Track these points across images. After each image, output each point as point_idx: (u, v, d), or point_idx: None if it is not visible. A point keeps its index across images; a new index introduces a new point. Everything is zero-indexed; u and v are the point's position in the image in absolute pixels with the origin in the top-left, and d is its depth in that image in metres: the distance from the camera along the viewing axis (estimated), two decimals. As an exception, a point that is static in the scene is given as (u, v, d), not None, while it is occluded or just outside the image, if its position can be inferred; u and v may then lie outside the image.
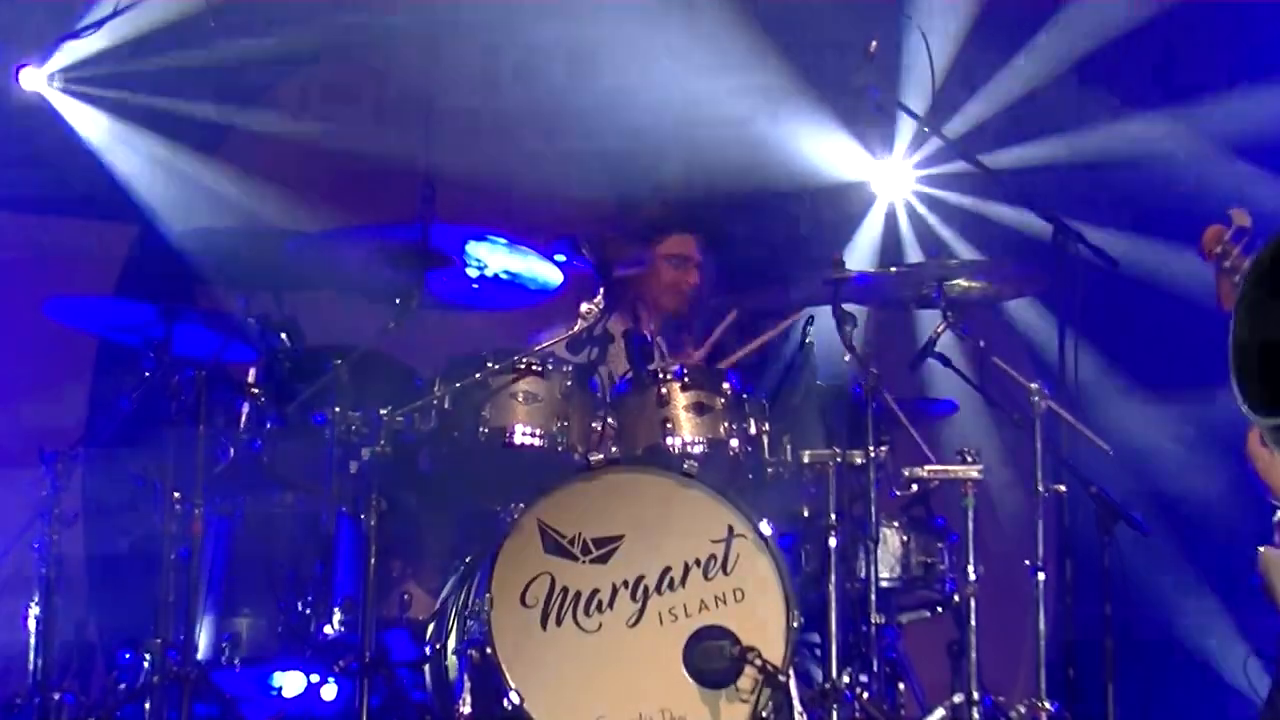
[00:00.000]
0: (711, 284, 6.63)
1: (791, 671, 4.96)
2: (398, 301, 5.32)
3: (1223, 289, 4.58)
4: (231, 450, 5.39)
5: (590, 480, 5.09)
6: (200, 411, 5.17)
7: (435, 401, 5.30)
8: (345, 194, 7.64)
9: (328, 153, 7.83)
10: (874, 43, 5.93)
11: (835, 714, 5.16)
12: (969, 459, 5.46)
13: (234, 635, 5.44)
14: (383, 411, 5.14)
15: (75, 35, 6.71)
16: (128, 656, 5.43)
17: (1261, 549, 4.76)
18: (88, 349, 7.19)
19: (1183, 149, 7.41)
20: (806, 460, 5.49)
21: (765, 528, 5.07)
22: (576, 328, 5.40)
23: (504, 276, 5.58)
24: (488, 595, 4.88)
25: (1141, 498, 6.23)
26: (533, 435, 5.31)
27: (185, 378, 5.22)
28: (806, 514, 5.76)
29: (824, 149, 7.85)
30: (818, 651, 5.45)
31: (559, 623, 4.93)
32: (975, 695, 5.46)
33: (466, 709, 4.90)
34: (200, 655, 5.19)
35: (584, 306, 5.38)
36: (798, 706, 4.92)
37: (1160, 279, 7.14)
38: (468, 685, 4.91)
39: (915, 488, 5.54)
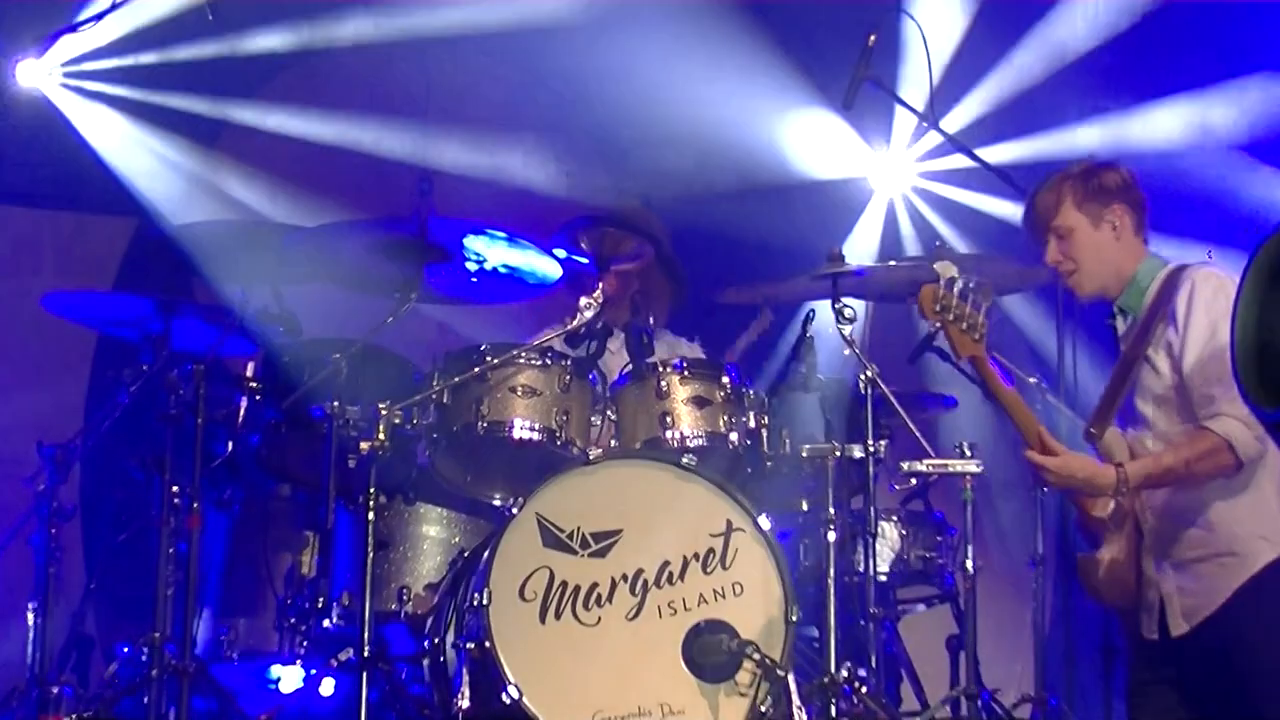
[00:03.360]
0: (644, 281, 6.46)
1: (790, 665, 4.96)
2: (396, 295, 5.32)
3: (955, 339, 4.68)
4: (230, 444, 5.39)
5: (589, 474, 5.08)
6: (198, 405, 5.17)
7: (434, 395, 5.30)
8: (344, 188, 7.64)
9: (326, 147, 7.83)
10: (872, 37, 5.93)
11: (834, 708, 5.16)
12: (968, 453, 5.47)
13: (232, 629, 5.45)
14: (381, 405, 5.13)
15: (73, 29, 6.69)
16: (126, 650, 5.43)
17: (1079, 558, 4.82)
18: (86, 343, 7.18)
19: (1183, 143, 7.42)
20: (805, 454, 5.50)
21: (764, 521, 5.06)
22: (575, 322, 5.39)
23: (502, 270, 5.58)
24: (486, 589, 4.87)
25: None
26: (532, 429, 5.30)
27: (183, 372, 5.21)
28: (805, 508, 5.77)
29: (823, 144, 7.86)
30: (816, 645, 5.45)
31: (558, 617, 4.92)
32: (974, 689, 5.47)
33: (465, 703, 4.89)
34: (198, 649, 5.19)
35: (583, 301, 5.37)
36: (796, 700, 4.92)
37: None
38: (466, 679, 4.90)
39: (914, 482, 5.54)
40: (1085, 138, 7.65)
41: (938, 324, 4.73)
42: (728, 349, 6.48)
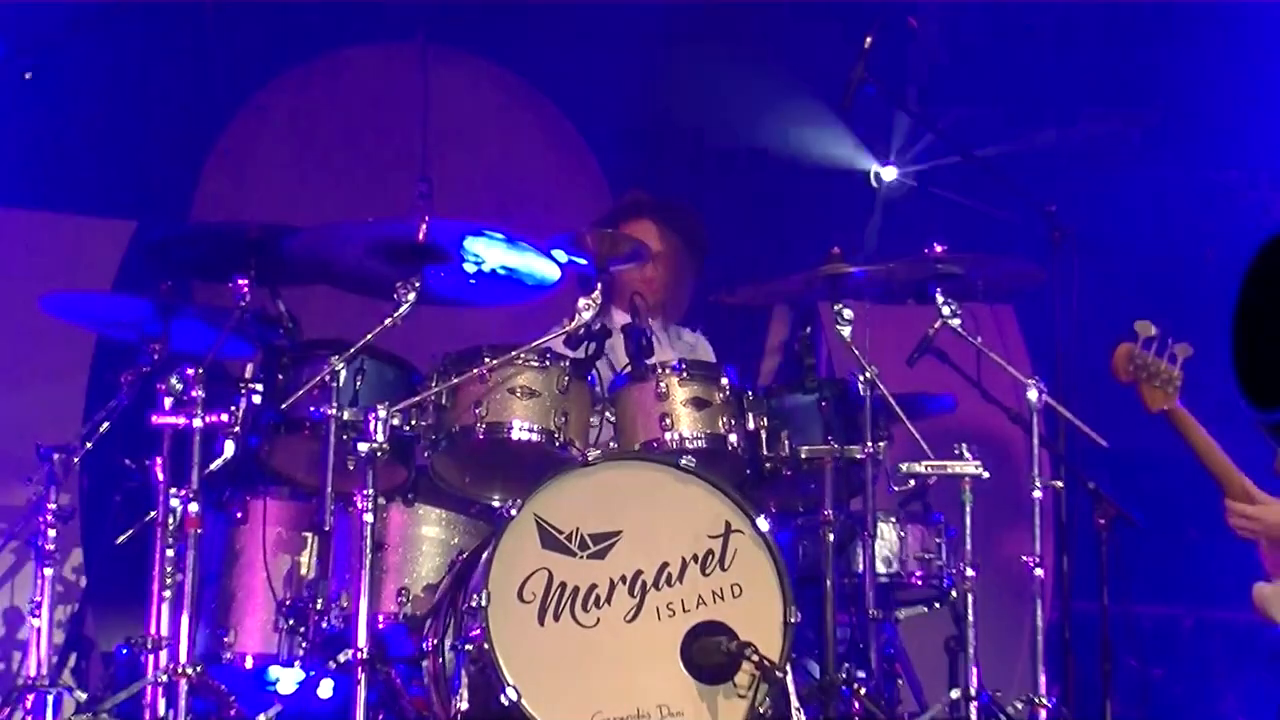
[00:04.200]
0: (680, 273, 6.52)
1: (789, 667, 4.96)
2: (395, 297, 5.32)
3: (1146, 395, 4.66)
4: (228, 445, 5.37)
5: (588, 475, 5.08)
6: (197, 407, 5.16)
7: (432, 397, 5.30)
8: (343, 189, 7.65)
9: (325, 148, 7.83)
10: (869, 38, 5.93)
11: (832, 710, 5.16)
12: (966, 455, 5.47)
13: (230, 631, 5.44)
14: (380, 407, 5.13)
15: (72, 30, 6.72)
16: (125, 652, 5.43)
17: (1255, 586, 4.78)
18: (85, 345, 7.18)
19: (1174, 145, 7.44)
20: (804, 455, 5.50)
21: (763, 523, 5.06)
22: (574, 323, 5.39)
23: (501, 272, 5.58)
24: (485, 591, 4.87)
25: (1138, 493, 6.23)
26: (530, 430, 5.30)
27: (182, 373, 5.21)
28: (804, 509, 5.77)
29: (822, 144, 7.86)
30: (815, 647, 5.45)
31: (556, 618, 4.92)
32: (973, 691, 5.46)
33: (464, 704, 4.90)
34: (197, 651, 5.18)
35: (581, 302, 5.37)
36: (795, 702, 4.92)
37: (1157, 274, 7.14)
38: (465, 681, 4.91)
39: (913, 483, 5.53)
40: (1083, 138, 7.67)
41: (1130, 381, 4.72)
42: (758, 367, 6.48)
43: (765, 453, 5.50)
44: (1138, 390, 4.75)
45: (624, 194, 6.82)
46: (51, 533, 5.51)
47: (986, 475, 5.43)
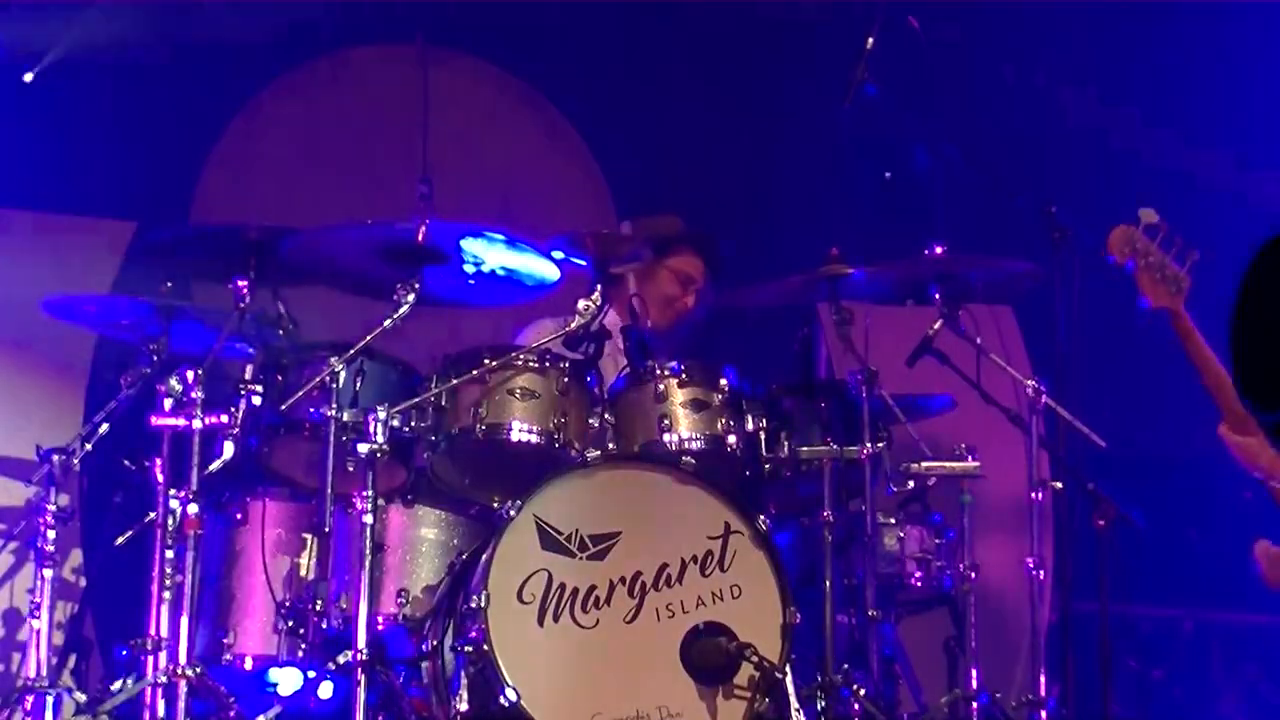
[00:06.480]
0: (703, 310, 6.61)
1: (788, 668, 4.96)
2: (395, 298, 5.32)
3: (1145, 286, 4.58)
4: (228, 447, 5.37)
5: (587, 477, 5.08)
6: (197, 408, 5.16)
7: (432, 398, 5.30)
8: (343, 190, 7.65)
9: (325, 148, 7.83)
10: (870, 39, 5.93)
11: (832, 710, 5.16)
12: (966, 455, 5.46)
13: (230, 632, 5.44)
14: (380, 408, 5.13)
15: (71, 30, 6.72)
16: (124, 653, 5.43)
17: (1257, 542, 4.76)
18: (85, 345, 7.17)
19: (1178, 143, 7.43)
20: (804, 456, 5.50)
21: (762, 524, 5.06)
22: (574, 324, 5.39)
23: (500, 273, 5.58)
24: (484, 592, 4.88)
25: (1138, 493, 6.22)
26: (530, 432, 5.30)
27: (182, 374, 5.21)
28: (803, 510, 5.77)
29: (821, 144, 7.85)
30: (814, 647, 5.45)
31: (556, 619, 4.92)
32: (972, 691, 5.47)
33: (463, 705, 4.90)
34: (196, 652, 5.18)
35: (581, 303, 5.38)
36: (794, 703, 4.92)
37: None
38: (464, 682, 4.91)
39: (912, 484, 5.54)
40: (1082, 137, 7.66)
41: (1125, 265, 4.60)
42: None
43: (764, 454, 5.50)
44: (1137, 279, 4.63)
45: (659, 216, 6.79)
46: (51, 534, 5.52)
47: (984, 476, 5.42)
